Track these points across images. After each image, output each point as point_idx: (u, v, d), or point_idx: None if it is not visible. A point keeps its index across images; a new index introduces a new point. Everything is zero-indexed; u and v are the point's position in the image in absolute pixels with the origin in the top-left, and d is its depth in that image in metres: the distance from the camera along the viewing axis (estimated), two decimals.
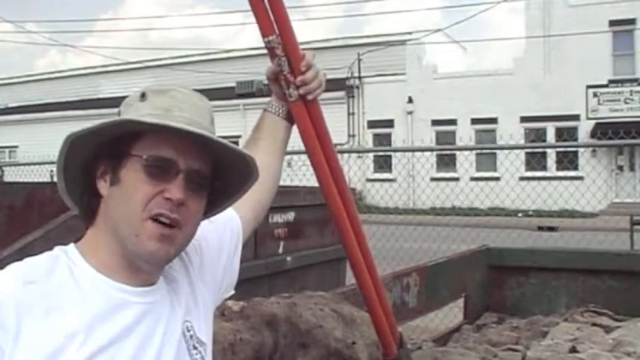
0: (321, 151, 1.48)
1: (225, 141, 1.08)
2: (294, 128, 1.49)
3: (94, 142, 1.09)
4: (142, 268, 1.09)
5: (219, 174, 1.15)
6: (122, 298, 1.06)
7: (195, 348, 1.14)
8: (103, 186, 1.09)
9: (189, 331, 1.14)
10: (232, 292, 1.38)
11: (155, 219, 1.05)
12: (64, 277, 1.03)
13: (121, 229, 1.06)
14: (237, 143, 1.21)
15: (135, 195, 1.05)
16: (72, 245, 1.10)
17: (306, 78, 1.38)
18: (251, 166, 1.15)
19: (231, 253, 1.33)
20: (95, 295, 1.03)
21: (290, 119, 1.46)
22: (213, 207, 1.19)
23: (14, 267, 1.03)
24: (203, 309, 1.21)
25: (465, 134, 19.71)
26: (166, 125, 1.03)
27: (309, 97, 1.41)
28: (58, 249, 1.09)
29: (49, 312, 0.98)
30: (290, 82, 1.40)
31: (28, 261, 1.05)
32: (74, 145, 1.07)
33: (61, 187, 1.11)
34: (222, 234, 1.31)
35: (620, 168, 22.21)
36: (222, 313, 1.97)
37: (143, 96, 1.11)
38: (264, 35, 1.40)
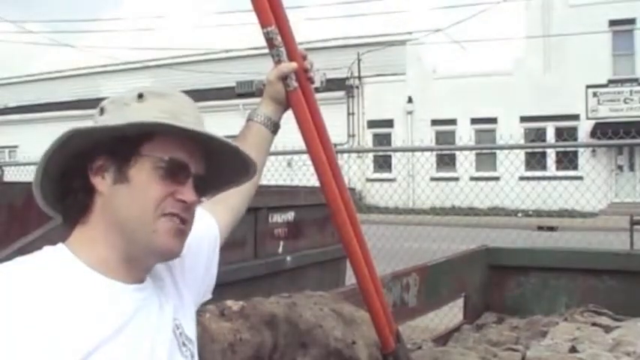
0: (319, 140, 1.55)
1: (237, 146, 1.16)
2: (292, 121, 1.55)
3: (94, 139, 1.08)
4: (145, 264, 1.12)
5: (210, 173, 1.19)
6: (114, 294, 1.06)
7: (184, 345, 1.16)
8: (100, 182, 1.09)
9: (178, 328, 1.16)
10: (210, 296, 1.41)
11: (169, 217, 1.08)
12: (54, 275, 1.02)
13: (131, 226, 1.07)
14: None
15: (148, 194, 1.07)
16: (61, 244, 1.10)
17: (309, 62, 1.51)
18: (250, 170, 1.22)
19: (210, 256, 1.36)
20: (87, 292, 1.03)
21: (274, 129, 1.52)
22: None
23: (4, 266, 1.02)
24: (188, 308, 1.24)
25: (465, 134, 19.68)
26: (201, 133, 1.08)
27: (313, 82, 1.53)
28: (47, 248, 1.08)
29: (42, 310, 0.97)
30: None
31: (19, 260, 1.04)
32: (69, 141, 1.06)
33: (37, 185, 1.09)
34: (201, 238, 1.33)
35: (620, 168, 22.23)
36: (221, 312, 1.97)
37: (141, 97, 1.11)
38: (263, 26, 1.45)
